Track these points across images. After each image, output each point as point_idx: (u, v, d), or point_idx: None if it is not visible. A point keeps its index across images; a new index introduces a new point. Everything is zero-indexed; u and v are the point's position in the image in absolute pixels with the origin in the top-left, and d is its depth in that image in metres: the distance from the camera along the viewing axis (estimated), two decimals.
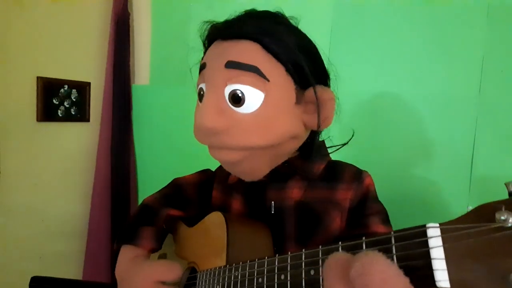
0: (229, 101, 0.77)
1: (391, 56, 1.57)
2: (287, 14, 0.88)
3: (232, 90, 0.77)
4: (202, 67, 0.84)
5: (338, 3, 1.67)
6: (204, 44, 0.89)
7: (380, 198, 0.94)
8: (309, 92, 0.82)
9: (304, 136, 0.87)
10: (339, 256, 0.55)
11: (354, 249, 0.56)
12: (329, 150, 0.99)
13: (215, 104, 0.77)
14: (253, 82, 0.77)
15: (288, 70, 0.80)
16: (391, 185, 1.52)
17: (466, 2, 1.44)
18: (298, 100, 0.82)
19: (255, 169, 0.86)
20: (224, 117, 0.77)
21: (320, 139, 0.98)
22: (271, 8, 0.88)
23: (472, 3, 1.43)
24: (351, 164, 0.96)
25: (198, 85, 0.85)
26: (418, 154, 1.54)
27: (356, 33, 1.64)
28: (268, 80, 0.77)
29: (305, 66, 0.81)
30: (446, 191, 1.49)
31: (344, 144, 0.97)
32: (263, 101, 0.77)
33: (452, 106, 1.47)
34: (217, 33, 0.84)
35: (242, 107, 0.77)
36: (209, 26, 0.87)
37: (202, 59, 0.87)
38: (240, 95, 0.76)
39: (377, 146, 1.59)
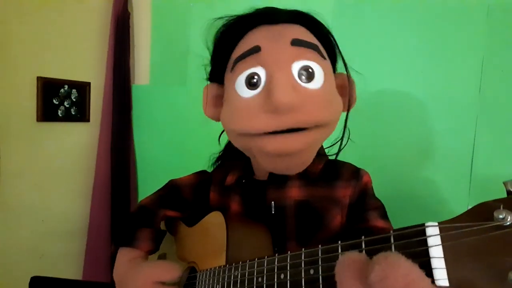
0: (299, 78, 0.78)
1: (391, 56, 1.57)
2: None
3: (302, 66, 0.79)
4: (254, 50, 0.81)
5: (338, 3, 1.67)
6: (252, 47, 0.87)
7: (380, 198, 0.95)
8: (339, 77, 0.88)
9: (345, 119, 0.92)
10: (355, 256, 0.54)
11: (353, 248, 0.56)
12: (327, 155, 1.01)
13: (288, 80, 0.77)
14: (317, 59, 0.81)
15: (328, 54, 0.87)
16: (391, 184, 1.52)
17: (466, 2, 1.44)
18: (336, 83, 0.88)
19: (309, 158, 0.86)
20: (299, 93, 0.77)
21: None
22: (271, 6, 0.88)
23: (472, 3, 1.43)
24: (348, 163, 0.97)
25: (243, 72, 0.81)
26: (418, 154, 1.54)
27: (356, 33, 1.64)
28: (325, 58, 0.83)
29: (336, 51, 0.90)
30: (446, 191, 1.49)
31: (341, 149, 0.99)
32: (324, 78, 0.80)
33: (452, 106, 1.47)
34: (262, 19, 0.85)
35: (312, 82, 0.79)
36: (241, 15, 0.88)
37: (238, 46, 0.85)
38: (310, 70, 0.79)
39: (377, 146, 1.60)
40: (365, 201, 0.92)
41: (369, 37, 1.62)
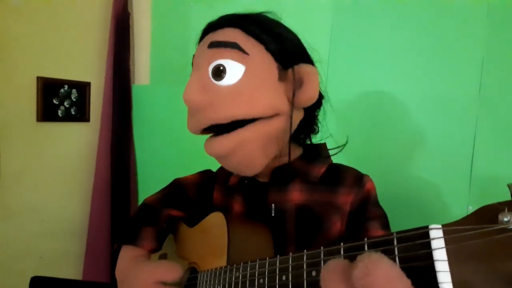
0: (212, 77, 0.81)
1: (391, 56, 1.57)
2: (287, 14, 0.92)
3: (214, 66, 0.80)
4: (192, 58, 0.89)
5: (338, 3, 1.67)
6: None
7: (379, 198, 0.94)
8: (290, 71, 0.84)
9: (289, 115, 0.85)
10: (338, 260, 0.56)
11: (356, 250, 0.56)
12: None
13: (198, 81, 0.81)
14: (233, 56, 0.80)
15: (268, 49, 0.83)
16: (390, 185, 1.52)
17: (466, 2, 1.44)
18: (281, 78, 0.84)
19: (250, 158, 0.84)
20: (207, 92, 0.80)
21: (322, 141, 0.99)
22: (271, 8, 0.90)
23: (472, 3, 1.43)
24: (352, 168, 0.95)
25: None
26: (417, 154, 1.54)
27: (356, 33, 1.64)
28: (248, 54, 0.81)
29: (287, 45, 0.86)
30: (446, 191, 1.48)
31: (341, 148, 0.98)
32: (243, 73, 0.80)
33: (452, 106, 1.46)
34: (205, 30, 0.89)
35: (223, 80, 0.80)
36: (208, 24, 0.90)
37: None
38: (221, 68, 0.80)
39: (377, 146, 1.59)
40: (366, 210, 0.89)
41: (368, 37, 1.61)
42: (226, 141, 0.81)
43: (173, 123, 2.14)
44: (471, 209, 1.39)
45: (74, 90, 2.05)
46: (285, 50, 0.85)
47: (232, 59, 0.80)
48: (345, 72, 1.62)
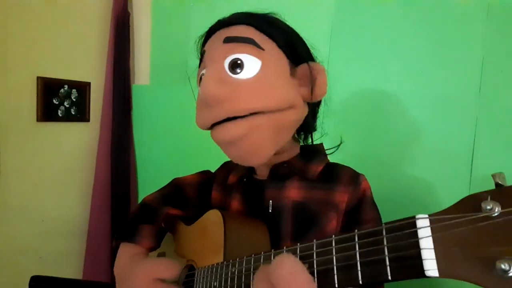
0: (229, 71, 0.81)
1: (391, 56, 1.57)
2: (287, 14, 0.93)
3: (232, 59, 0.81)
4: (202, 55, 0.90)
5: (338, 3, 1.67)
6: (201, 52, 0.93)
7: (378, 198, 0.95)
8: (301, 68, 0.87)
9: (303, 109, 0.88)
10: (264, 266, 0.67)
11: (347, 242, 0.57)
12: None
13: (216, 75, 0.81)
14: (250, 51, 0.82)
15: (279, 46, 0.86)
16: (390, 185, 1.52)
17: (466, 2, 1.44)
18: (292, 74, 0.87)
19: (259, 147, 0.85)
20: (225, 85, 0.80)
21: (319, 142, 1.02)
22: (272, 7, 0.92)
23: (472, 3, 1.43)
24: (348, 167, 0.97)
25: (198, 75, 0.90)
26: (417, 154, 1.54)
27: (356, 33, 1.64)
28: (263, 49, 0.83)
29: (296, 43, 0.89)
30: (446, 191, 1.48)
31: (337, 148, 1.02)
32: (260, 68, 0.82)
33: (452, 106, 1.47)
34: (213, 27, 0.90)
35: (242, 73, 0.81)
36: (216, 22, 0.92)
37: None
38: (239, 62, 0.81)
39: (377, 146, 1.59)
40: (361, 210, 0.92)
41: (368, 38, 1.62)
42: (242, 123, 0.81)
43: (173, 123, 2.15)
44: None
45: (74, 90, 2.05)
46: (295, 48, 0.88)
47: (249, 53, 0.82)
48: (345, 72, 1.62)
